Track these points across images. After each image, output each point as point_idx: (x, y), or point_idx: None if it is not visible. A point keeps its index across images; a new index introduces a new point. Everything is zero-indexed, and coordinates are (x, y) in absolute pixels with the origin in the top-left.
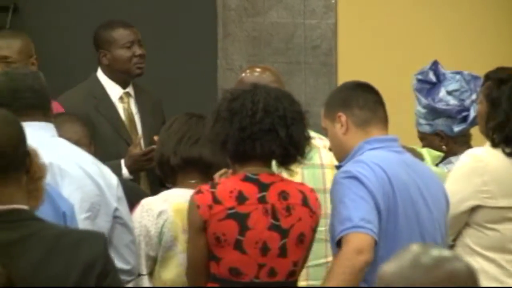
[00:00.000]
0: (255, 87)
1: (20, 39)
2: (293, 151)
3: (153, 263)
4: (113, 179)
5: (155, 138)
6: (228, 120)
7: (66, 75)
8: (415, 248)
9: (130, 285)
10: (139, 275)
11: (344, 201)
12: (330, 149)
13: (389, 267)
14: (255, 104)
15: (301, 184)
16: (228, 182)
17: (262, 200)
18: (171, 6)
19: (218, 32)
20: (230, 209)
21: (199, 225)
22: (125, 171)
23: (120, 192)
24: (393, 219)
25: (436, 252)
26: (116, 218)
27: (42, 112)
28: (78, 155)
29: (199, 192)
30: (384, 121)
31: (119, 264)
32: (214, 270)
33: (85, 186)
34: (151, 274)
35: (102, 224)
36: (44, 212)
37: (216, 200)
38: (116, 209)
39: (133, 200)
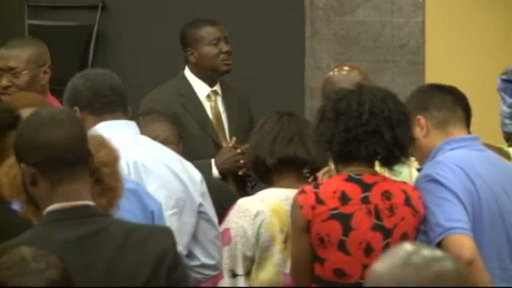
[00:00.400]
0: (360, 87)
1: (31, 48)
2: (398, 152)
3: (250, 263)
4: (197, 175)
5: (234, 139)
6: (333, 120)
7: (154, 73)
8: (407, 247)
9: (224, 284)
10: (235, 275)
11: (430, 207)
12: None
13: (379, 266)
14: (361, 105)
15: (404, 183)
16: (331, 182)
17: (365, 200)
18: (259, 4)
19: (305, 31)
20: (333, 209)
21: (302, 225)
22: (215, 171)
23: (204, 187)
24: (478, 216)
25: (427, 252)
26: (200, 213)
27: (122, 110)
28: (162, 152)
29: (302, 192)
30: (463, 120)
31: (204, 259)
32: (319, 272)
33: (169, 182)
34: (248, 274)
35: (187, 220)
36: (133, 211)
37: (319, 201)
38: (200, 205)
39: (221, 199)
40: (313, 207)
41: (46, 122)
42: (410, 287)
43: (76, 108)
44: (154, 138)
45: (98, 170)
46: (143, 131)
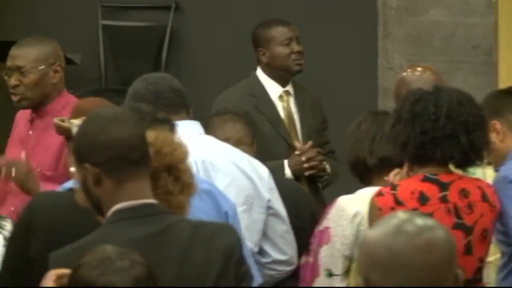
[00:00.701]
0: (438, 89)
1: (39, 46)
2: (473, 156)
3: (349, 262)
4: (263, 171)
5: (310, 143)
6: (410, 122)
7: (226, 73)
8: (401, 215)
9: (320, 283)
10: (331, 274)
11: (509, 212)
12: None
13: (372, 233)
14: (438, 109)
15: (478, 179)
16: (407, 183)
17: (443, 199)
18: (332, 4)
19: (378, 31)
20: (413, 210)
21: None
22: (287, 172)
23: (271, 183)
24: None
25: (420, 220)
26: (268, 209)
27: (185, 111)
28: (228, 150)
29: (379, 194)
30: None
31: (275, 255)
32: None
33: (237, 180)
34: (345, 274)
35: (257, 217)
36: (206, 211)
37: (398, 202)
38: (268, 201)
39: (295, 199)
40: (392, 209)
41: (109, 121)
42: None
43: None
44: (228, 138)
45: (176, 168)
46: (217, 132)
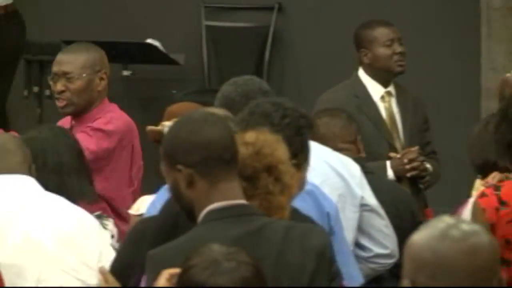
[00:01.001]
0: None
1: (86, 53)
2: None
3: None
4: (355, 168)
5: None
6: None
7: (328, 73)
8: (447, 219)
9: None
10: None
11: None
12: None
13: (418, 237)
14: None
15: None
16: (510, 184)
17: None
18: (434, 5)
19: (481, 31)
20: None
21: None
22: (390, 173)
23: (363, 180)
24: None
25: (465, 226)
26: (362, 206)
27: None
28: (319, 149)
29: (483, 195)
30: None
31: (376, 249)
32: (505, 275)
33: (330, 179)
34: None
35: (350, 215)
36: (308, 211)
37: (502, 203)
38: (361, 198)
39: (395, 200)
40: (497, 209)
41: (201, 123)
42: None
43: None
44: (331, 136)
45: (276, 168)
46: (320, 129)
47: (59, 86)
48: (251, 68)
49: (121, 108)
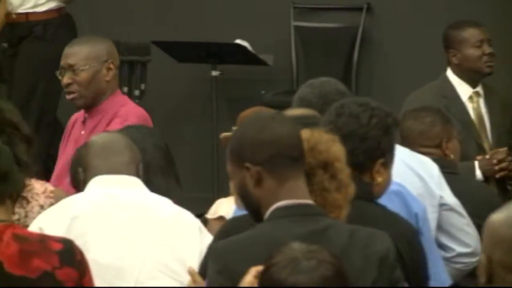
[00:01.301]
0: None
1: (91, 44)
2: None
3: None
4: (434, 168)
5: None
6: None
7: (416, 74)
8: None
9: None
10: None
11: None
12: None
13: (497, 216)
14: None
15: None
16: None
17: None
18: None
19: None
20: None
21: None
22: (478, 173)
23: (442, 179)
24: None
25: None
26: (442, 205)
27: None
28: (398, 149)
29: None
30: None
31: (458, 248)
32: None
33: (407, 179)
34: None
35: (429, 216)
36: (397, 212)
37: None
38: (440, 197)
39: (480, 201)
40: None
41: (268, 121)
42: None
43: None
44: (410, 140)
45: (332, 165)
46: (402, 132)
47: (65, 79)
48: (340, 68)
49: (210, 108)
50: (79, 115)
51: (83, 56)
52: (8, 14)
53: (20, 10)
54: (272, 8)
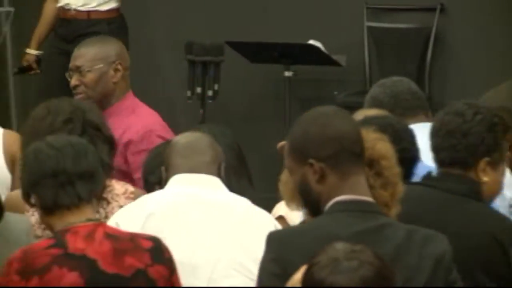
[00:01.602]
0: None
1: (98, 46)
2: None
3: None
4: None
5: None
6: None
7: (490, 74)
8: None
9: None
10: None
11: None
12: None
13: None
14: None
15: None
16: None
17: None
18: None
19: None
20: None
21: None
22: None
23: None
24: None
25: None
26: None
27: (423, 113)
28: None
29: None
30: None
31: None
32: None
33: None
34: None
35: None
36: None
37: None
38: (511, 199)
39: None
40: None
41: (331, 117)
42: None
43: None
44: None
45: (377, 163)
46: None
47: (73, 81)
48: (413, 69)
49: (283, 108)
50: None
51: (89, 58)
52: (65, 11)
53: (81, 8)
54: (346, 8)
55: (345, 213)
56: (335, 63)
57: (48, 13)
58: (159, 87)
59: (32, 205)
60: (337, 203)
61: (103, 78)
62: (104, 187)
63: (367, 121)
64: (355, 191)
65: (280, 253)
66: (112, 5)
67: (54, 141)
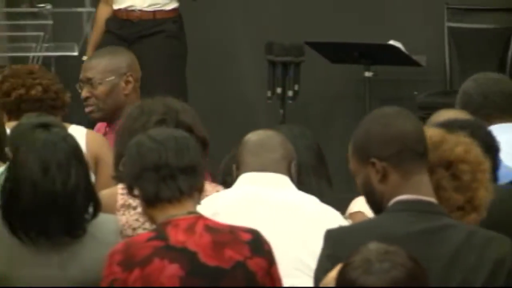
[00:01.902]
0: None
1: (109, 57)
2: None
3: None
4: None
5: None
6: None
7: None
8: None
9: None
10: None
11: None
12: None
13: None
14: None
15: None
16: None
17: None
18: None
19: None
20: None
21: None
22: None
23: None
24: None
25: None
26: None
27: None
28: None
29: None
30: None
31: None
32: None
33: None
34: None
35: None
36: None
37: None
38: None
39: None
40: None
41: (394, 116)
42: None
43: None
44: None
45: (454, 165)
46: None
47: (84, 93)
48: (493, 69)
49: (363, 108)
50: (101, 125)
51: (100, 69)
52: (128, 12)
53: (146, 8)
54: (426, 9)
55: (405, 213)
56: (415, 63)
57: (103, 18)
58: (240, 87)
59: (135, 197)
60: (398, 202)
61: (114, 91)
62: (204, 182)
63: (449, 124)
64: (417, 191)
65: (334, 250)
66: (175, 4)
67: (156, 135)
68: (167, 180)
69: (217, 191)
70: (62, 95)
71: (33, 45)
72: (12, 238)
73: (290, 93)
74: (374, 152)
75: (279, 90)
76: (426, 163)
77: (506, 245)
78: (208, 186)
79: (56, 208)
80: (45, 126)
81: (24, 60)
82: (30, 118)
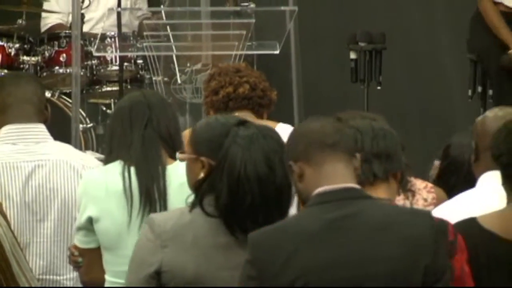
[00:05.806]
0: None
1: None
2: None
3: None
4: None
5: None
6: None
7: None
8: None
9: None
10: None
11: None
12: None
13: None
14: None
15: None
16: None
17: None
18: None
19: None
20: None
21: None
22: None
23: None
24: None
25: None
26: None
27: None
28: None
29: None
30: None
31: None
32: None
33: None
34: None
35: None
36: None
37: None
38: None
39: None
40: None
41: (305, 121)
42: None
43: None
44: None
45: None
46: None
47: None
48: None
49: None
50: None
51: None
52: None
53: None
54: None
55: (319, 206)
56: None
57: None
58: (442, 86)
59: None
60: (315, 196)
61: None
62: (404, 172)
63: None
64: (332, 181)
65: (254, 254)
66: None
67: (358, 125)
68: (362, 164)
69: (426, 184)
70: (269, 93)
71: (236, 43)
72: (205, 239)
73: (490, 92)
74: (289, 156)
75: (479, 88)
76: (339, 153)
77: (424, 222)
78: (416, 180)
79: (279, 201)
80: (243, 124)
81: (226, 58)
82: (219, 119)
